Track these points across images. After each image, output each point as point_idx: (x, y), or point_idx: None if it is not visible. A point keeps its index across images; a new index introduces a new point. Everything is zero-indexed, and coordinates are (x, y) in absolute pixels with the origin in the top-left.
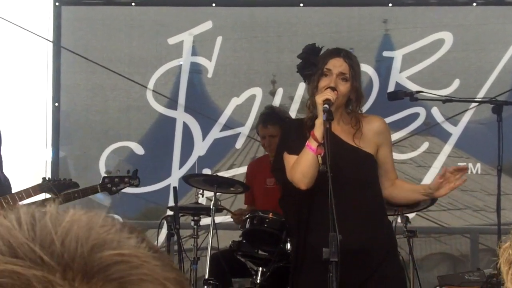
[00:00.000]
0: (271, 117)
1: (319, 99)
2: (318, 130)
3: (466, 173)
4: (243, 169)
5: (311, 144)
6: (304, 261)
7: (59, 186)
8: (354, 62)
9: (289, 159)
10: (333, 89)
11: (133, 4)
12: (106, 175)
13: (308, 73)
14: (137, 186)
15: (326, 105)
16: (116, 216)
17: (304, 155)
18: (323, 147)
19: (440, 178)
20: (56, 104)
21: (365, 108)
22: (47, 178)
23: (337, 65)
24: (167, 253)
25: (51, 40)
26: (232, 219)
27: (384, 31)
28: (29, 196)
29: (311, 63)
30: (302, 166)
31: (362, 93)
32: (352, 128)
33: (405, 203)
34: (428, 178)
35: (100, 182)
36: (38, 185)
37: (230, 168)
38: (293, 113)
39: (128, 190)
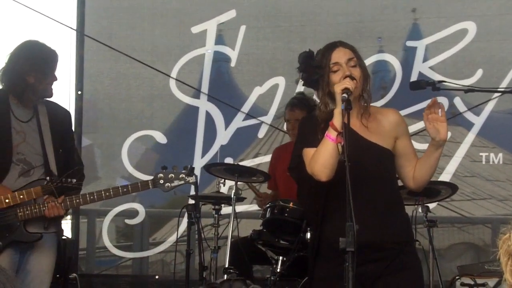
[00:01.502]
0: (300, 101)
1: (338, 88)
2: (337, 119)
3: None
4: (268, 158)
5: (331, 133)
6: (321, 251)
7: (62, 189)
8: (352, 46)
9: (308, 153)
10: (351, 77)
11: None
12: (160, 171)
13: (315, 78)
14: (193, 183)
15: (344, 95)
16: None
17: (323, 145)
18: (342, 136)
19: (428, 122)
20: (80, 92)
21: (387, 98)
22: (48, 179)
23: (341, 55)
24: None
25: (75, 28)
26: (256, 202)
27: (412, 20)
28: (30, 197)
29: (314, 67)
30: (322, 156)
31: (368, 73)
32: (368, 122)
33: (430, 173)
34: (452, 167)
35: (153, 177)
36: (41, 187)
37: (255, 157)
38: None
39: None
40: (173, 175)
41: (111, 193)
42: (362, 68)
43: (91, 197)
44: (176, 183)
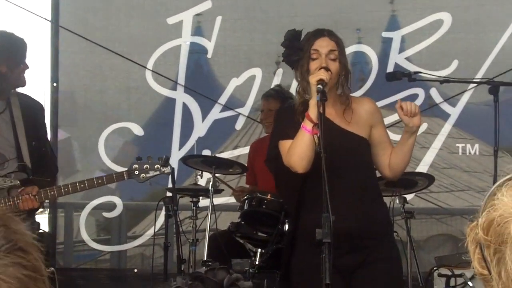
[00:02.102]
0: (276, 92)
1: (313, 79)
2: (313, 110)
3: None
4: (247, 150)
5: (306, 125)
6: (298, 242)
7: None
8: (339, 39)
9: (285, 145)
10: (326, 69)
11: None
12: (135, 161)
13: (295, 59)
14: (169, 173)
15: (319, 86)
16: None
17: (299, 136)
18: (318, 127)
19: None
20: (55, 84)
21: (364, 89)
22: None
23: (323, 44)
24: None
25: (50, 19)
26: (233, 197)
27: (390, 11)
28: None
29: (296, 48)
30: (298, 148)
31: (350, 69)
32: (344, 111)
33: (405, 161)
34: (429, 158)
35: (128, 168)
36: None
37: (234, 149)
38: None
39: None
40: (148, 166)
41: (86, 184)
42: (341, 63)
43: (66, 189)
44: (151, 173)
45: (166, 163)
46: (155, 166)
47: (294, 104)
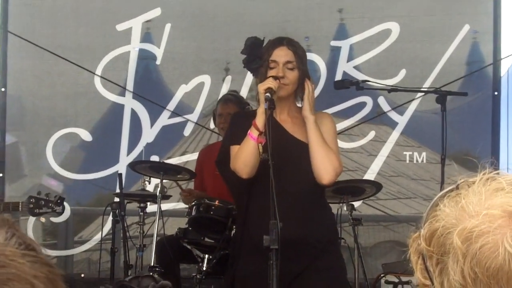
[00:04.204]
0: (235, 97)
1: (261, 88)
2: (260, 118)
3: None
4: (195, 156)
5: (253, 133)
6: (245, 248)
7: None
8: (298, 48)
9: (234, 149)
10: (275, 78)
11: None
12: (33, 195)
13: (255, 67)
14: (60, 213)
15: (268, 94)
16: None
17: (245, 144)
18: (265, 136)
19: None
20: (3, 89)
21: None
22: None
23: (281, 54)
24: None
25: None
26: (181, 198)
27: (339, 20)
28: None
29: (256, 56)
30: (243, 155)
31: (309, 76)
32: (301, 121)
33: (319, 158)
34: (376, 165)
35: (25, 200)
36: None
37: (182, 155)
38: None
39: (79, 176)
40: (43, 202)
41: None
42: (300, 71)
43: None
44: (44, 209)
45: (59, 203)
46: (49, 204)
47: (250, 110)
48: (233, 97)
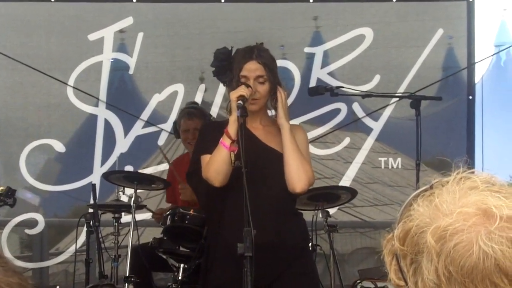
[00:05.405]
0: (198, 110)
1: (233, 95)
2: (232, 126)
3: None
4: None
5: (225, 141)
6: (217, 257)
7: None
8: (268, 60)
9: (205, 159)
10: (248, 85)
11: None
12: None
13: (225, 80)
14: (11, 206)
15: (240, 102)
16: None
17: (217, 152)
18: (237, 144)
19: None
20: None
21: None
22: None
23: (252, 69)
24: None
25: None
26: (153, 219)
27: (314, 28)
28: None
29: (226, 68)
30: (215, 163)
31: (281, 85)
32: (273, 130)
33: (292, 165)
34: (351, 172)
35: None
36: None
37: (158, 164)
38: (215, 108)
39: (55, 188)
40: None
41: None
42: (271, 83)
43: None
44: None
45: (10, 195)
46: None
47: (218, 120)
48: (196, 110)
